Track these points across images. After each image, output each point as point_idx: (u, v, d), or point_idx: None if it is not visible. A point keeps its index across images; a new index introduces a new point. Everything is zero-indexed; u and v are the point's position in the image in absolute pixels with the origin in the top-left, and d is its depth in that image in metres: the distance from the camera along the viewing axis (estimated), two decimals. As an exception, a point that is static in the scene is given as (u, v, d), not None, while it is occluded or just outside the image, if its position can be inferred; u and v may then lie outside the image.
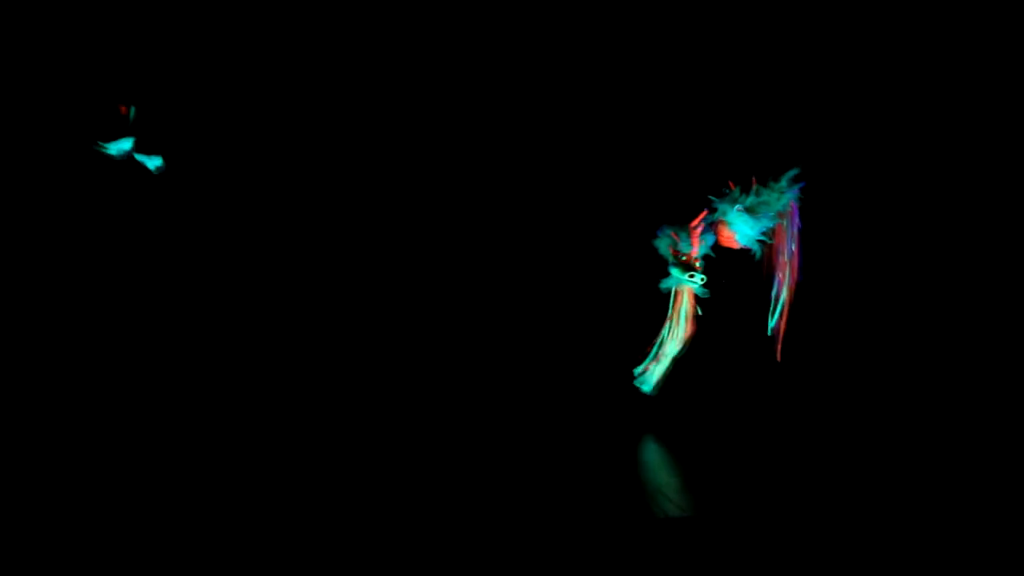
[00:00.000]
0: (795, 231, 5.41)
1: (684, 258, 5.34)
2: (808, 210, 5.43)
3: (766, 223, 5.34)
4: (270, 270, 5.97)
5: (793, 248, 5.41)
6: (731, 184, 5.36)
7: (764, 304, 5.46)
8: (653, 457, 5.07)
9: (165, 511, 3.97)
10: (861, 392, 5.74)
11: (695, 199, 5.40)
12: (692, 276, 5.30)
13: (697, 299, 5.38)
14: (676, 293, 5.41)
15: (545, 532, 3.85)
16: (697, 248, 5.34)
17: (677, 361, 5.41)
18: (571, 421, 5.47)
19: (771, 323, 5.44)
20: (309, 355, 5.92)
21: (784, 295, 5.42)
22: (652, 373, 5.46)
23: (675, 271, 5.36)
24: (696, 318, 5.39)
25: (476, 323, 6.08)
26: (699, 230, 5.34)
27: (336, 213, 6.01)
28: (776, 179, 5.35)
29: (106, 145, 5.58)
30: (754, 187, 5.33)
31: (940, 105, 5.91)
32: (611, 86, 6.02)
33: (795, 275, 5.43)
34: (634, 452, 5.08)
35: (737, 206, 5.31)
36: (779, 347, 5.44)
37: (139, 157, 5.62)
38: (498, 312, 6.09)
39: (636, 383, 5.48)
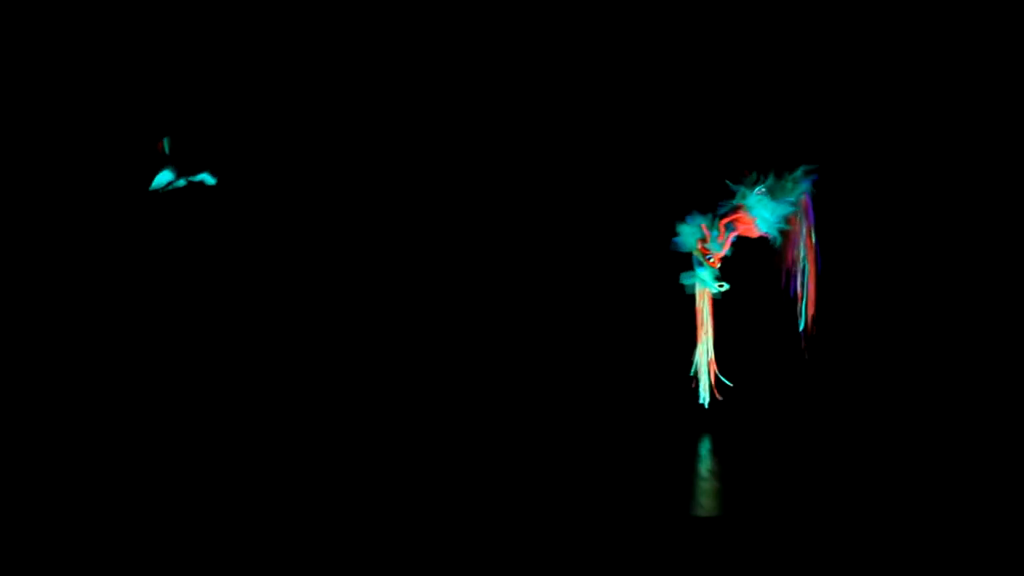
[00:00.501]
0: (810, 225, 5.34)
1: (712, 259, 5.22)
2: (827, 204, 5.39)
3: (785, 208, 5.26)
4: (294, 274, 5.92)
5: (809, 242, 5.34)
6: (746, 172, 5.29)
7: (784, 299, 5.40)
8: (691, 456, 5.02)
9: (165, 511, 3.94)
10: (889, 391, 5.63)
11: (711, 189, 5.33)
12: (721, 285, 5.21)
13: (713, 301, 5.32)
14: (706, 299, 5.34)
15: (576, 529, 3.80)
16: (726, 249, 5.25)
17: (712, 363, 5.38)
18: (595, 418, 5.47)
19: (801, 320, 5.38)
20: (319, 358, 5.86)
21: (806, 290, 5.35)
22: (702, 384, 5.41)
23: (703, 272, 5.25)
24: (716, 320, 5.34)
25: (496, 318, 5.98)
26: (732, 233, 5.24)
27: (352, 215, 5.95)
28: (791, 170, 5.29)
29: (159, 184, 5.60)
30: (772, 172, 5.27)
31: (958, 101, 5.80)
32: (625, 80, 5.93)
33: (813, 268, 5.35)
34: (668, 450, 5.04)
35: (758, 188, 5.23)
36: (805, 344, 5.39)
37: (194, 179, 5.65)
38: (516, 305, 5.98)
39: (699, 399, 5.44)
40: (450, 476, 4.44)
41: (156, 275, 5.75)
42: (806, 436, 5.16)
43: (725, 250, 5.24)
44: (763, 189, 5.22)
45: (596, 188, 5.90)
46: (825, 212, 5.40)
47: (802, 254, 5.36)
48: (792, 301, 5.41)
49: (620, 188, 5.87)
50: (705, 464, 4.87)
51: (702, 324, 5.36)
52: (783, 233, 5.29)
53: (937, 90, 5.77)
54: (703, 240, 5.23)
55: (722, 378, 5.38)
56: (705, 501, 4.26)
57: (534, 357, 5.90)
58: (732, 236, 5.24)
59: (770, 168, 5.29)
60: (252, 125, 5.84)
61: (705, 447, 5.09)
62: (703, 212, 5.28)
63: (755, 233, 5.27)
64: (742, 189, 5.25)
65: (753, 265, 5.38)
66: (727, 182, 5.28)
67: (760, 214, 5.21)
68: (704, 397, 5.40)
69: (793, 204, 5.28)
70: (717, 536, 3.78)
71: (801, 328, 5.39)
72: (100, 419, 5.27)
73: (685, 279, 5.33)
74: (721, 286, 5.20)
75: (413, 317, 5.92)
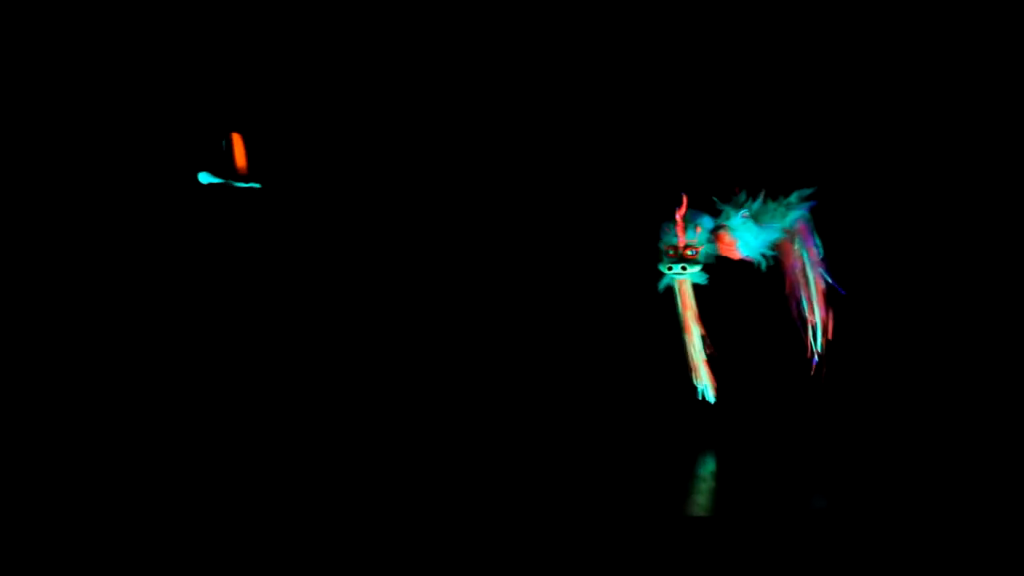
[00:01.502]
0: (813, 251, 5.19)
1: (671, 253, 5.12)
2: (835, 225, 5.28)
3: (771, 235, 5.13)
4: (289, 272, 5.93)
5: (814, 271, 5.19)
6: (736, 189, 5.18)
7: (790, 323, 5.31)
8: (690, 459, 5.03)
9: (165, 511, 4.00)
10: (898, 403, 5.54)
11: (699, 199, 5.23)
12: (671, 268, 5.09)
13: (694, 293, 5.21)
14: (678, 289, 5.24)
15: (570, 530, 3.85)
16: (684, 237, 5.10)
17: (710, 360, 5.31)
18: (589, 422, 5.49)
19: (814, 346, 5.24)
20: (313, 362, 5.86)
21: (816, 317, 5.22)
22: (703, 380, 5.33)
23: (662, 268, 5.15)
24: (699, 313, 5.24)
25: (490, 321, 5.95)
26: (683, 219, 5.09)
27: (336, 214, 5.94)
28: (786, 194, 5.18)
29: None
30: (761, 194, 5.15)
31: (974, 116, 5.66)
32: (618, 85, 5.88)
33: (823, 298, 5.21)
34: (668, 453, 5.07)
35: (743, 211, 5.11)
36: (823, 369, 5.27)
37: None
38: (510, 310, 5.95)
39: (702, 394, 5.35)
40: (447, 478, 4.48)
41: (157, 274, 5.78)
42: (806, 442, 5.16)
43: (684, 236, 5.09)
44: (747, 212, 5.10)
45: (599, 198, 5.85)
46: (834, 233, 5.29)
47: (803, 281, 5.21)
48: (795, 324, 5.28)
49: (624, 198, 5.80)
50: (704, 480, 4.84)
51: (687, 322, 5.26)
52: (769, 259, 5.16)
53: (952, 105, 5.62)
54: (666, 242, 5.15)
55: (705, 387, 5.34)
56: (700, 502, 4.30)
57: (530, 361, 5.86)
58: (687, 219, 5.10)
59: (762, 189, 5.16)
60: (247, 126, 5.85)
61: (707, 466, 5.02)
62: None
63: (736, 255, 5.15)
64: (727, 209, 5.13)
65: (755, 284, 5.29)
66: (714, 199, 5.15)
67: (742, 237, 5.09)
68: (710, 395, 5.32)
69: (782, 231, 5.15)
70: (711, 536, 3.81)
71: (811, 355, 5.25)
72: (100, 419, 5.34)
73: (661, 285, 5.23)
74: (684, 268, 5.08)
75: (402, 321, 5.91)
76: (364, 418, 5.53)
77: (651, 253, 5.30)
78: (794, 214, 5.16)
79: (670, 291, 5.28)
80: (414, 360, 5.84)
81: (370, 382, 5.77)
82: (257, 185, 5.68)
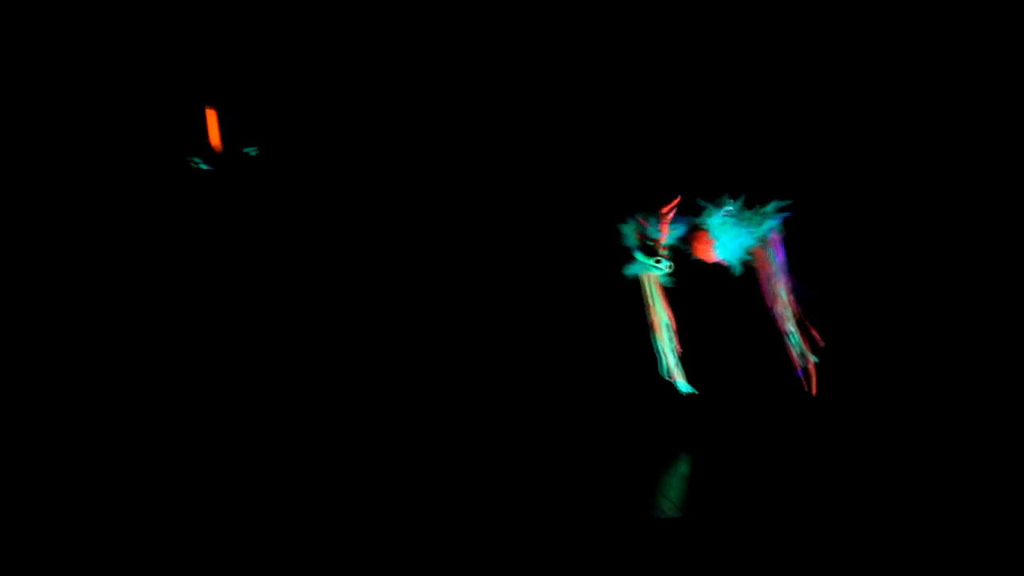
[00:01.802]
0: (781, 262, 5.26)
1: (651, 244, 5.14)
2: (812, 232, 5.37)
3: (747, 240, 5.20)
4: (268, 272, 5.94)
5: (783, 282, 5.27)
6: (719, 193, 5.25)
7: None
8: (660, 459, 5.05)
9: (165, 511, 4.03)
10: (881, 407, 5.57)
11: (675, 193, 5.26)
12: (658, 262, 5.12)
13: (664, 288, 5.25)
14: (646, 282, 5.29)
15: (544, 531, 3.89)
16: (666, 235, 5.16)
17: (678, 351, 5.34)
18: (556, 419, 5.49)
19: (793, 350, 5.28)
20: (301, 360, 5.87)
21: (791, 326, 5.27)
22: (673, 371, 5.37)
23: (639, 256, 5.17)
24: (671, 304, 5.29)
25: (460, 321, 5.99)
26: (670, 216, 5.15)
27: (322, 214, 5.97)
28: (763, 204, 5.24)
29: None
30: (741, 199, 5.21)
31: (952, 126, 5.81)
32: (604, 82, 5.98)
33: (794, 303, 5.27)
34: (638, 452, 5.10)
35: (724, 208, 5.18)
36: (814, 382, 5.30)
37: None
38: (480, 309, 6.01)
39: (675, 385, 5.39)
40: (420, 478, 4.51)
41: (156, 274, 5.78)
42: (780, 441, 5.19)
43: (665, 234, 5.15)
44: (730, 210, 5.16)
45: (583, 197, 5.91)
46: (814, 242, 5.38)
47: (776, 288, 5.27)
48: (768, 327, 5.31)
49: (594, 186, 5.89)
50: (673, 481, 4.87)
51: (655, 315, 5.31)
52: (745, 265, 5.21)
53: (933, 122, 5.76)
54: (641, 230, 5.18)
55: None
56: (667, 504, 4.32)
57: (503, 356, 5.90)
58: (672, 218, 5.16)
59: (743, 193, 5.21)
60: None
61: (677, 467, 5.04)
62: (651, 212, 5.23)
63: (712, 257, 5.21)
64: (709, 207, 5.20)
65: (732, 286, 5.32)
66: (697, 199, 5.21)
67: (719, 237, 5.16)
68: (687, 387, 5.36)
69: (756, 238, 5.20)
70: (679, 538, 3.86)
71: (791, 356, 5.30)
72: (100, 419, 5.30)
73: (628, 271, 5.27)
74: (658, 262, 5.12)
75: (373, 319, 5.91)
76: (335, 412, 5.53)
77: (624, 253, 5.33)
78: (769, 223, 5.23)
79: (638, 286, 5.32)
80: (382, 358, 5.85)
81: (341, 378, 5.77)
82: (207, 167, 5.65)
